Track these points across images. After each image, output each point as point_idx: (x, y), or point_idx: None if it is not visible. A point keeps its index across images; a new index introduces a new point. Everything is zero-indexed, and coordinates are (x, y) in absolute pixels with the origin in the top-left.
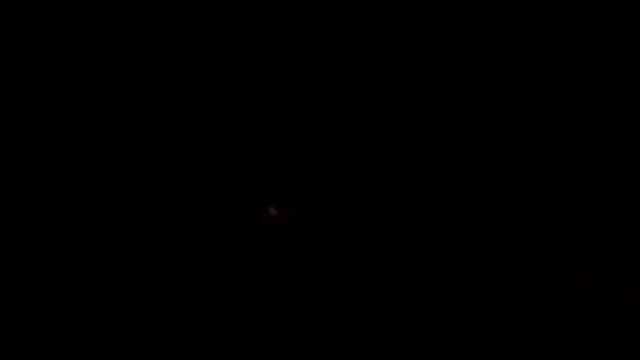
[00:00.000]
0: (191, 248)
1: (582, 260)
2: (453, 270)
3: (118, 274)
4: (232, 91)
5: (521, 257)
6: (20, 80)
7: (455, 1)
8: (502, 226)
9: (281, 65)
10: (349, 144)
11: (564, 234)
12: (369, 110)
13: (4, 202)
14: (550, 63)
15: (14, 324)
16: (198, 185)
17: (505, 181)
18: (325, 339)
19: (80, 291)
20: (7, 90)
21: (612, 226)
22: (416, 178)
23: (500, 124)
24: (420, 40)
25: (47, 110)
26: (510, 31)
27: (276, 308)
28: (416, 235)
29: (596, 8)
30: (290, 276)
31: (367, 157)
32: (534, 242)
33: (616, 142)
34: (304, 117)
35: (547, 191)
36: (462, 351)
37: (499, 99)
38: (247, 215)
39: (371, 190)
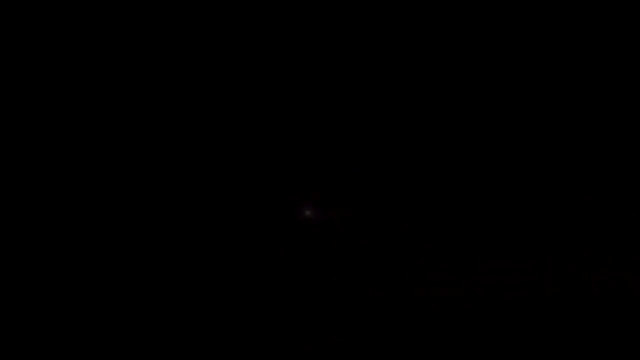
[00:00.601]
0: (227, 247)
1: (583, 260)
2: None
3: (151, 270)
4: (272, 98)
5: (523, 258)
6: (20, 80)
7: (456, 2)
8: (508, 228)
9: (322, 77)
10: (382, 152)
11: (565, 233)
12: (398, 125)
13: (3, 202)
14: (552, 69)
15: (14, 324)
16: (235, 186)
17: (509, 184)
18: (353, 338)
19: (102, 289)
20: (7, 90)
21: (612, 224)
22: (442, 187)
23: (504, 130)
24: (450, 58)
25: (57, 110)
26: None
27: (306, 306)
28: (441, 238)
29: (596, 8)
30: (323, 274)
31: (398, 166)
32: (536, 242)
33: (615, 142)
34: (339, 127)
35: (548, 192)
36: (468, 349)
37: (504, 109)
38: (282, 215)
39: (400, 196)
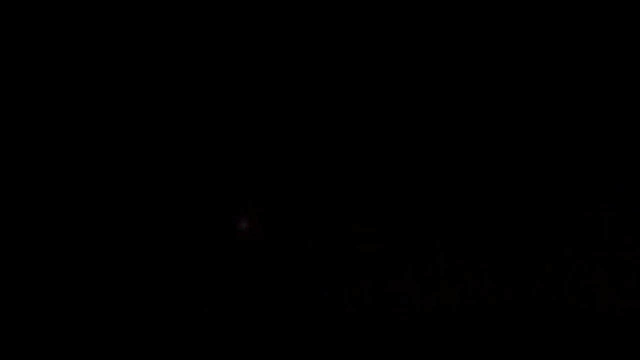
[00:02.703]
0: (165, 258)
1: (575, 267)
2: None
3: (105, 276)
4: (212, 105)
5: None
6: (20, 81)
7: (456, 1)
8: (495, 233)
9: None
10: (317, 161)
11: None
12: (342, 130)
13: (4, 202)
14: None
15: (13, 324)
16: (174, 198)
17: (500, 187)
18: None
19: (67, 293)
20: (7, 90)
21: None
22: (393, 192)
23: (496, 132)
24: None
25: (47, 110)
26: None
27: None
28: (391, 248)
29: (596, 8)
30: (260, 287)
31: (338, 174)
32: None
33: (613, 146)
34: (277, 138)
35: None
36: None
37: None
38: (220, 228)
39: (342, 206)
